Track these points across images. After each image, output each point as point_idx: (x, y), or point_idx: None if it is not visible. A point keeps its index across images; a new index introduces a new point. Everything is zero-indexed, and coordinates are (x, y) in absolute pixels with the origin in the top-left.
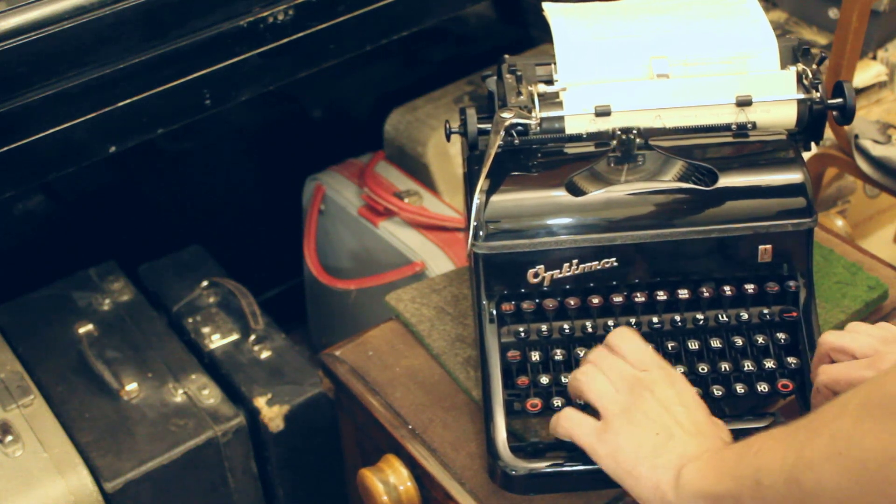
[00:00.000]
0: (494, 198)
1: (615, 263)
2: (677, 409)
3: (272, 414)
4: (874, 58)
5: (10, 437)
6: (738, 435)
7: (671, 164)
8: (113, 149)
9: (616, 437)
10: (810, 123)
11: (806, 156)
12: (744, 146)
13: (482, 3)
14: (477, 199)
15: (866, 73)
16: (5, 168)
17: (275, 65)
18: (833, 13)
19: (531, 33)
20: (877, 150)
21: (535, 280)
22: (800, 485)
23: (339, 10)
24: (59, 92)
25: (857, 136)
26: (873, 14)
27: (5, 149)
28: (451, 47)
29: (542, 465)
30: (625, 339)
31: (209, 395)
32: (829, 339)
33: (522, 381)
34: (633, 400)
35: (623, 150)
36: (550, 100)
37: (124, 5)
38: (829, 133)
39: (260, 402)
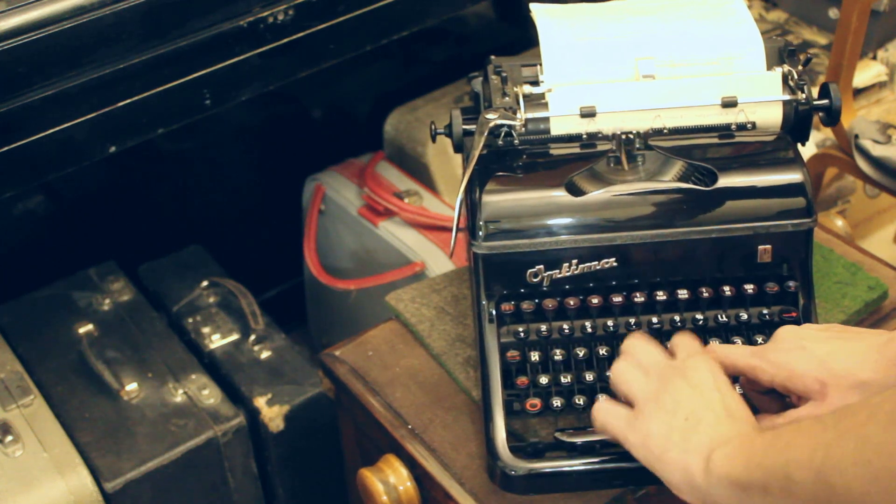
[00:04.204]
0: (494, 198)
1: (615, 263)
2: (710, 394)
3: (272, 414)
4: (874, 58)
5: (10, 437)
6: None
7: (671, 164)
8: (113, 149)
9: (646, 423)
10: (796, 124)
11: (806, 156)
12: (743, 146)
13: (482, 3)
14: (459, 199)
15: (866, 73)
16: (5, 168)
17: (275, 65)
18: (833, 13)
19: (530, 34)
20: (877, 150)
21: (535, 280)
22: (829, 486)
23: (339, 10)
24: (59, 92)
25: (857, 136)
26: (873, 14)
27: (5, 149)
28: (451, 47)
29: (541, 466)
30: (681, 336)
31: (209, 395)
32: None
33: (522, 381)
34: (664, 386)
35: (622, 150)
36: (536, 101)
37: (124, 5)
38: (829, 133)
39: (260, 402)
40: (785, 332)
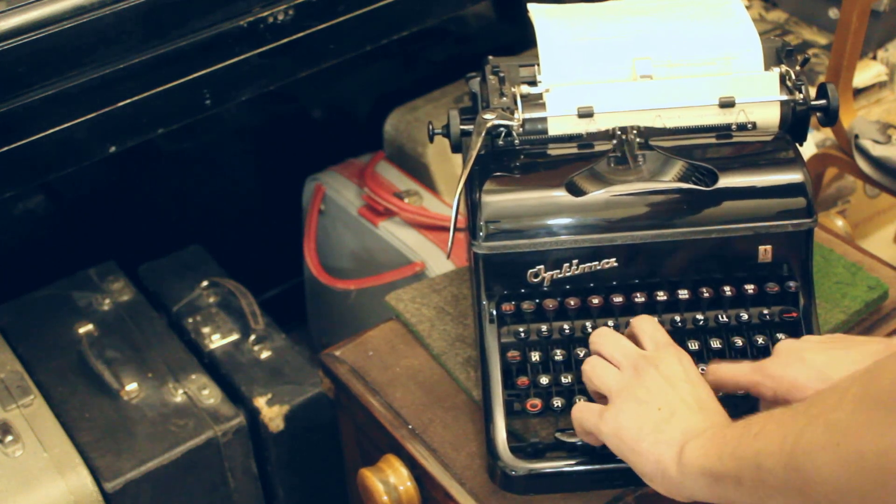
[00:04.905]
0: (494, 198)
1: (615, 263)
2: (682, 386)
3: (272, 414)
4: (874, 58)
5: (10, 437)
6: None
7: (671, 164)
8: (113, 149)
9: (619, 414)
10: (794, 124)
11: (806, 156)
12: (743, 146)
13: (482, 3)
14: (456, 200)
15: (866, 73)
16: (5, 168)
17: (275, 65)
18: (833, 13)
19: (530, 34)
20: (877, 150)
21: (535, 280)
22: (799, 471)
23: (339, 10)
24: (59, 92)
25: (857, 136)
26: (873, 14)
27: (5, 149)
28: (451, 47)
29: (541, 466)
30: (641, 321)
31: (209, 395)
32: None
33: (522, 381)
34: (636, 377)
35: (623, 150)
36: (534, 101)
37: (124, 5)
38: (829, 133)
39: (260, 402)
40: (784, 346)
